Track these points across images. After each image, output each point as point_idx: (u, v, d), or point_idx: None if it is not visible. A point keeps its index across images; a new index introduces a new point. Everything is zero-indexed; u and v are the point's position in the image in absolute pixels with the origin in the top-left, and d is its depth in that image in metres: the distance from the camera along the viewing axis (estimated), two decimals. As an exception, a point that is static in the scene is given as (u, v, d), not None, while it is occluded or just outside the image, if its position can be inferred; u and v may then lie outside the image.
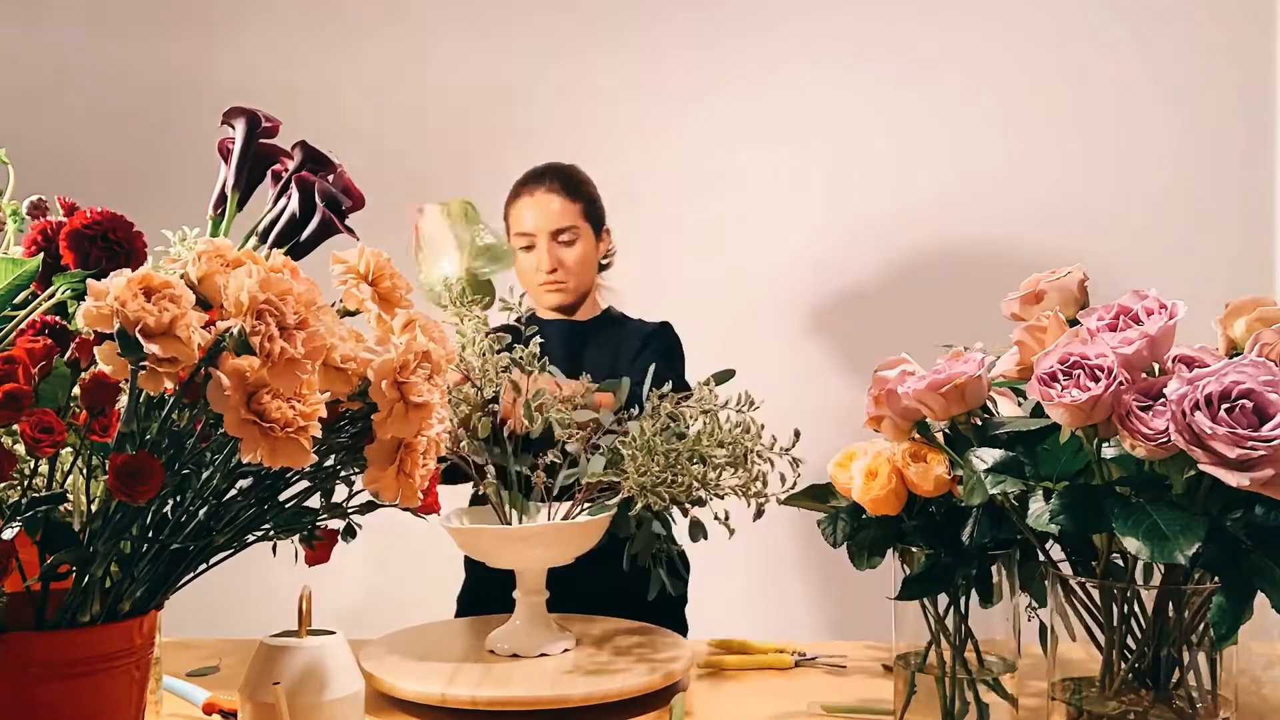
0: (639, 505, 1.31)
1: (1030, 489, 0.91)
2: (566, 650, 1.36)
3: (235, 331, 0.72)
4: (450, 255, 1.32)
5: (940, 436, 1.02)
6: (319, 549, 0.90)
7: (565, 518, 1.40)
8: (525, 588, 1.38)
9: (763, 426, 1.34)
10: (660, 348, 1.98)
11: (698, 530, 1.46)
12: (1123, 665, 0.91)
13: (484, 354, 1.36)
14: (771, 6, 2.74)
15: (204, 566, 0.84)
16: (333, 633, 1.03)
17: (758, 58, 2.74)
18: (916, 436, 1.02)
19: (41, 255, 0.83)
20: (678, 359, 2.01)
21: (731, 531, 1.35)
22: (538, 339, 1.41)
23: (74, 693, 0.73)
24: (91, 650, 0.74)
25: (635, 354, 1.95)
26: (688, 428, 1.34)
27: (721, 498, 1.32)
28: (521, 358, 1.38)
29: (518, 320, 1.48)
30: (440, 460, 1.32)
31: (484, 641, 1.39)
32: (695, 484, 1.29)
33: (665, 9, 2.76)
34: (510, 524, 1.42)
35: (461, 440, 1.39)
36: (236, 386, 0.71)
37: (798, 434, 1.34)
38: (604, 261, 2.13)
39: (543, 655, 1.34)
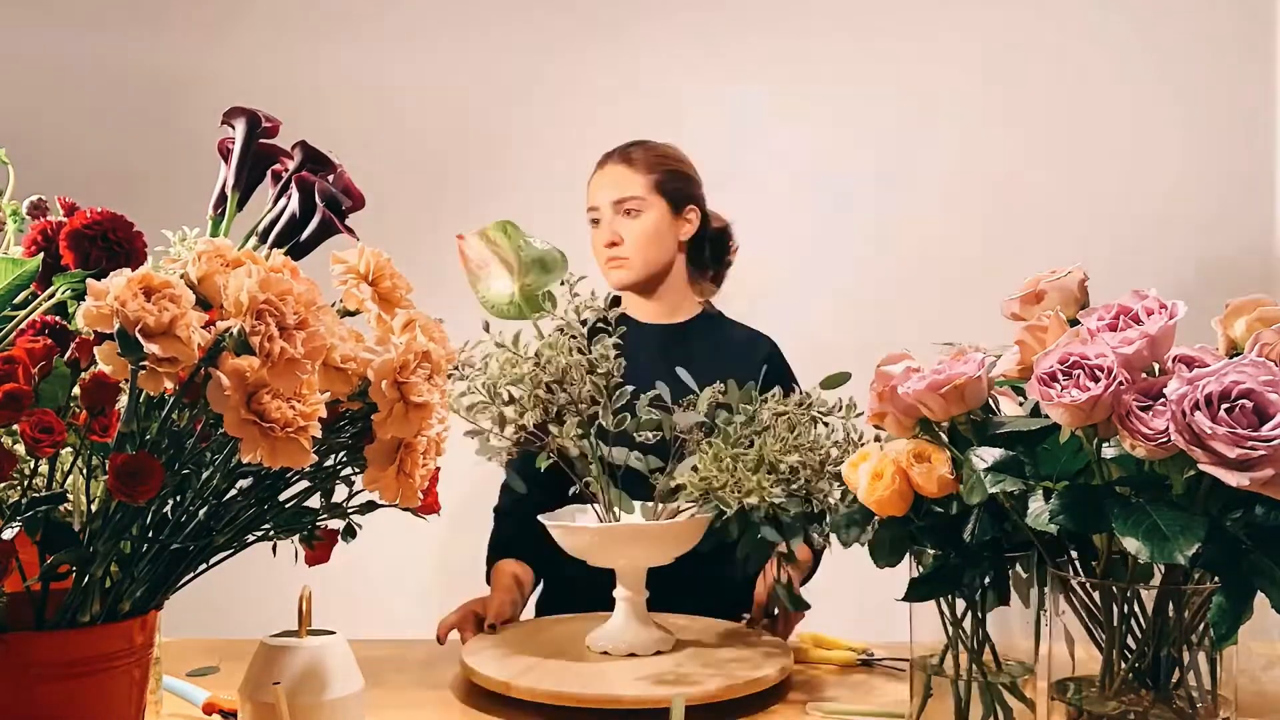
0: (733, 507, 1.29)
1: (1030, 489, 0.91)
2: (674, 649, 1.37)
3: (235, 331, 0.72)
4: (502, 277, 1.33)
5: (945, 434, 1.02)
6: (319, 549, 0.90)
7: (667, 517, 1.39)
8: (627, 586, 1.38)
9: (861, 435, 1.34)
10: (781, 375, 1.82)
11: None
12: (1123, 665, 0.91)
13: (566, 351, 1.35)
14: (773, 7, 2.74)
15: (204, 566, 0.84)
16: (333, 633, 1.04)
17: (758, 57, 2.74)
18: (919, 434, 1.02)
19: (41, 255, 0.83)
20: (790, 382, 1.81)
21: (827, 545, 1.35)
22: (612, 339, 1.37)
23: (74, 693, 0.73)
24: (91, 650, 0.74)
25: (750, 372, 1.60)
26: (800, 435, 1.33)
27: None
28: (595, 358, 1.35)
29: (602, 320, 1.41)
30: (530, 442, 1.31)
31: (584, 640, 1.40)
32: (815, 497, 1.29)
33: (666, 8, 2.76)
34: (612, 521, 1.41)
35: (560, 434, 1.36)
36: (236, 386, 0.71)
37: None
38: (729, 258, 2.01)
39: (658, 654, 1.35)
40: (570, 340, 1.35)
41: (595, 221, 1.88)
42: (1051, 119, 2.67)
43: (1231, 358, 0.84)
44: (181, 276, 0.75)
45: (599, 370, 1.34)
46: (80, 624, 0.75)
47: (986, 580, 1.00)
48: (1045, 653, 0.97)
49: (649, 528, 1.35)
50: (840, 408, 1.36)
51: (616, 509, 1.41)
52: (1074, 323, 0.95)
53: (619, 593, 1.39)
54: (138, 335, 0.69)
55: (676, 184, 1.89)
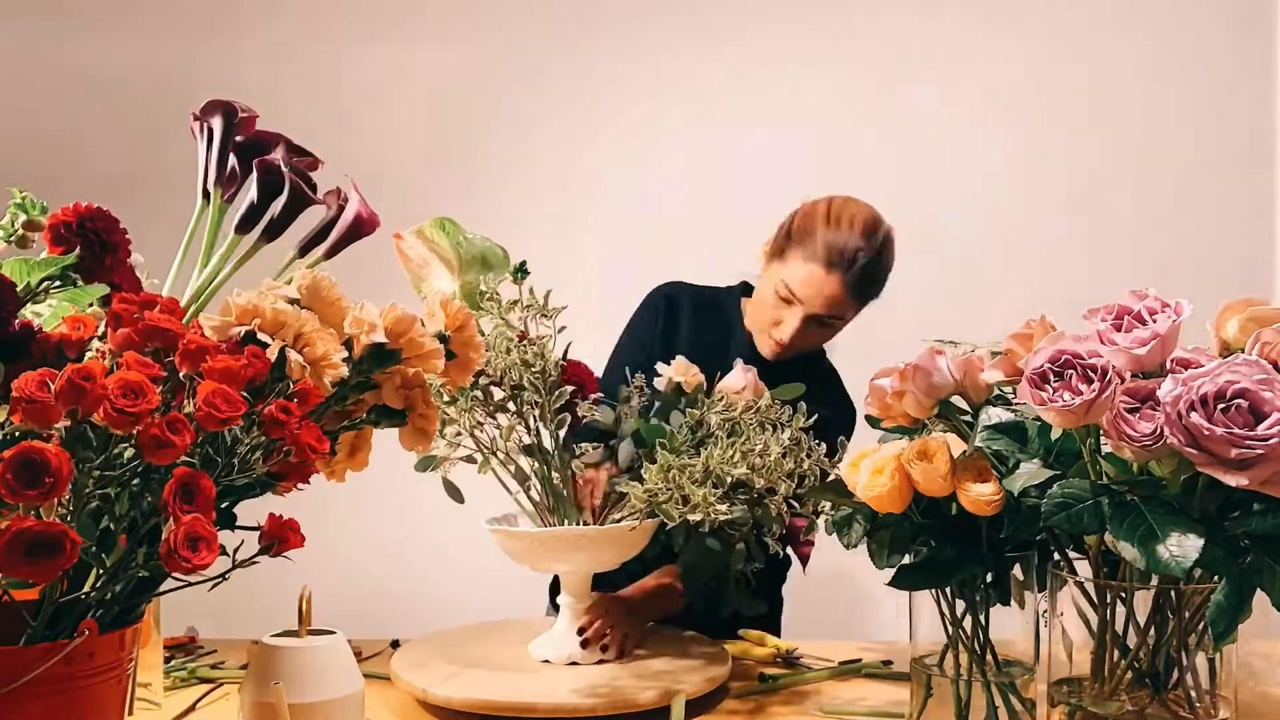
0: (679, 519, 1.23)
1: (1025, 453, 0.90)
2: (620, 659, 1.33)
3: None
4: (443, 275, 1.29)
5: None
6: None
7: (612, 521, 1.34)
8: (570, 592, 1.34)
9: (817, 443, 1.29)
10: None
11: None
12: (1123, 665, 0.91)
13: (504, 350, 1.30)
14: (777, 6, 2.73)
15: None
16: (333, 633, 1.04)
17: (759, 58, 2.74)
18: (936, 417, 1.01)
19: (78, 251, 0.83)
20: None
21: (783, 551, 1.31)
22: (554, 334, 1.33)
23: (60, 705, 0.73)
24: (78, 663, 0.74)
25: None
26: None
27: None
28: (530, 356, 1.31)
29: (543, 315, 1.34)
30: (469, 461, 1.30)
31: (526, 648, 1.35)
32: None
33: (667, 8, 2.75)
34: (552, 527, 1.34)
35: (500, 434, 1.32)
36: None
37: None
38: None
39: (600, 662, 1.30)
40: (508, 340, 1.29)
41: (787, 301, 1.69)
42: (1053, 121, 2.67)
43: (1224, 359, 0.83)
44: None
45: (533, 369, 1.28)
46: (65, 637, 0.75)
47: (987, 580, 1.00)
48: (1045, 653, 0.96)
49: (588, 532, 1.29)
50: (788, 416, 1.30)
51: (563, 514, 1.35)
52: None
53: (562, 599, 1.34)
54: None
55: (874, 294, 1.73)
